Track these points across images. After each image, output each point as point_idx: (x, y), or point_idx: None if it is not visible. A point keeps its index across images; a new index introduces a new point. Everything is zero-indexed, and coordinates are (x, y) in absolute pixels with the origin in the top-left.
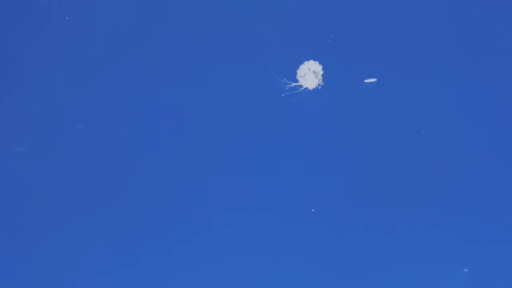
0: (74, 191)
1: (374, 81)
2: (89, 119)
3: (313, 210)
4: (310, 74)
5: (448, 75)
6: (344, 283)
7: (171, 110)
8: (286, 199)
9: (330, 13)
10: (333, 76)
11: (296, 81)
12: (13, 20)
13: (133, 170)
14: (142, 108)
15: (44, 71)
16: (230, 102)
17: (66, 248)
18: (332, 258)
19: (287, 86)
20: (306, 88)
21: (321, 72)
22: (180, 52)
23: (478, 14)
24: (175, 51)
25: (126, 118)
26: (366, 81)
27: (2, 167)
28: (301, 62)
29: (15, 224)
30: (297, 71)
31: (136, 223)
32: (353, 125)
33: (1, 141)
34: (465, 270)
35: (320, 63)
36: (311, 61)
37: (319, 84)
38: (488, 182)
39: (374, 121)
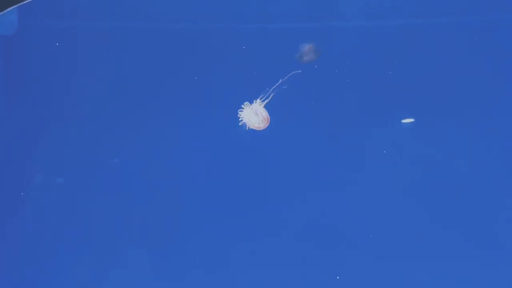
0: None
1: (412, 121)
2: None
3: (338, 277)
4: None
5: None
6: None
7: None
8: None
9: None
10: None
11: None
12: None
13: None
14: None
15: (82, 107)
16: None
17: None
18: None
19: None
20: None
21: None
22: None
23: None
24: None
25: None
26: (403, 121)
27: (41, 199)
28: None
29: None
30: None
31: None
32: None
33: (41, 173)
34: None
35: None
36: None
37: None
38: None
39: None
